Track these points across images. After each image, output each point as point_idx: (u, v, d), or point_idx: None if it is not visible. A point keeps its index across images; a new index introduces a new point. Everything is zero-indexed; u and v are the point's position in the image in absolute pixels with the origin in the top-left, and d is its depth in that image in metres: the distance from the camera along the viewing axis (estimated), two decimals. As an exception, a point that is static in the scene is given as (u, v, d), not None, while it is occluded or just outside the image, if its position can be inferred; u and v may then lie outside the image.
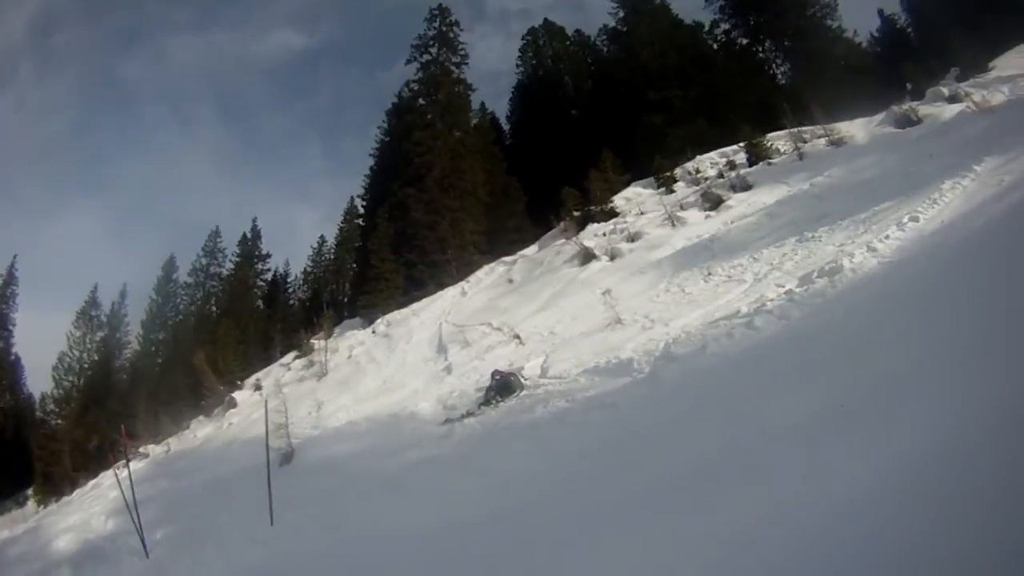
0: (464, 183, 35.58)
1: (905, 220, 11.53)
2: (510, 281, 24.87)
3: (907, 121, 24.22)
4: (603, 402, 8.80)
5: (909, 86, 29.15)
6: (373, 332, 25.26)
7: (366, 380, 19.14)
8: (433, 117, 38.18)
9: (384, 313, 26.91)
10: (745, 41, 44.61)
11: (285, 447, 13.88)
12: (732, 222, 19.75)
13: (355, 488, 10.12)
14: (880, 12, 44.23)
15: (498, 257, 29.27)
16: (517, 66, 50.92)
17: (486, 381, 13.08)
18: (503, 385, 12.03)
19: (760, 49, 44.07)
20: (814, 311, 8.96)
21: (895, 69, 33.35)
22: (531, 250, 28.18)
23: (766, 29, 43.08)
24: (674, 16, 44.38)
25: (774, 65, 43.85)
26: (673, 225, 22.04)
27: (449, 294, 26.63)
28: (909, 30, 43.83)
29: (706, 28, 45.14)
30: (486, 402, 11.90)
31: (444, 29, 41.52)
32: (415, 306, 26.34)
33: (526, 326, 17.17)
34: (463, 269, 29.98)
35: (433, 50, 40.94)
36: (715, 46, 44.82)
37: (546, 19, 52.37)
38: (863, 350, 6.32)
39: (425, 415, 13.16)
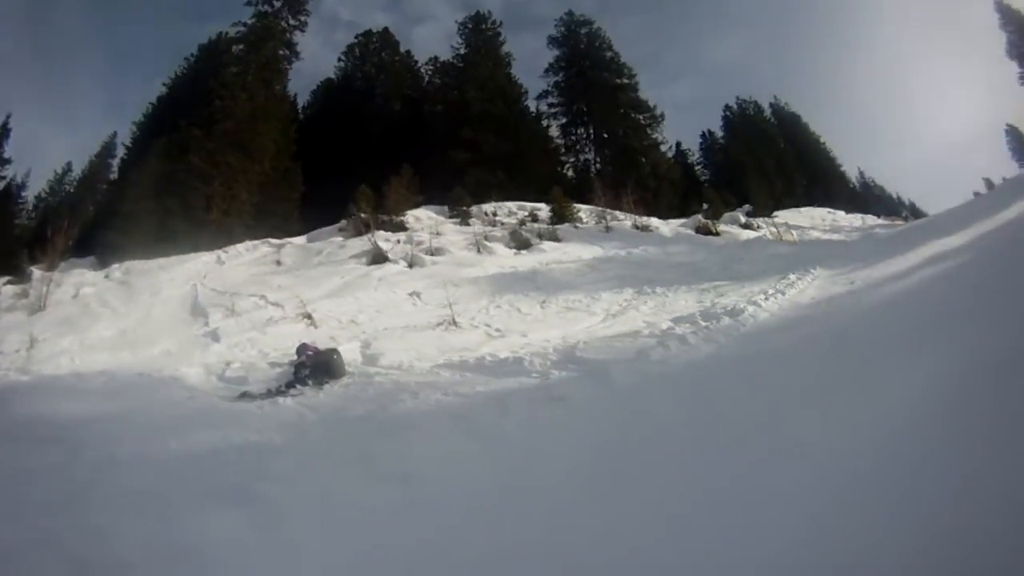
0: (255, 147, 32.04)
1: (771, 292, 11.91)
2: (278, 263, 22.52)
3: (707, 231, 26.93)
4: (551, 395, 6.72)
5: (706, 206, 31.78)
6: (107, 277, 21.19)
7: (98, 326, 15.28)
8: (248, 68, 34.51)
9: (123, 260, 22.96)
10: (565, 120, 46.83)
11: (-21, 390, 9.68)
12: (548, 264, 19.76)
13: (130, 482, 5.15)
14: (677, 144, 50.59)
15: (260, 237, 26.57)
16: (339, 60, 48.31)
17: (280, 356, 10.67)
18: (322, 365, 9.39)
19: (575, 132, 46.46)
20: (739, 340, 8.44)
21: (693, 188, 37.22)
22: (300, 240, 26.10)
23: (590, 117, 45.68)
24: (512, 73, 45.69)
25: (585, 149, 46.34)
26: (479, 252, 21.82)
27: (203, 258, 23.31)
28: (698, 167, 50.24)
29: (536, 95, 46.88)
30: (300, 381, 9.35)
31: (297, -12, 38.33)
32: (162, 261, 22.53)
33: (316, 309, 15.08)
34: (222, 237, 26.54)
35: (277, 3, 37.53)
36: (535, 113, 46.45)
37: (387, 28, 50.42)
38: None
39: (194, 383, 9.62)
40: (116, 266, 21.85)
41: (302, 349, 10.00)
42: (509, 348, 10.12)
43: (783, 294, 11.73)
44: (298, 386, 8.89)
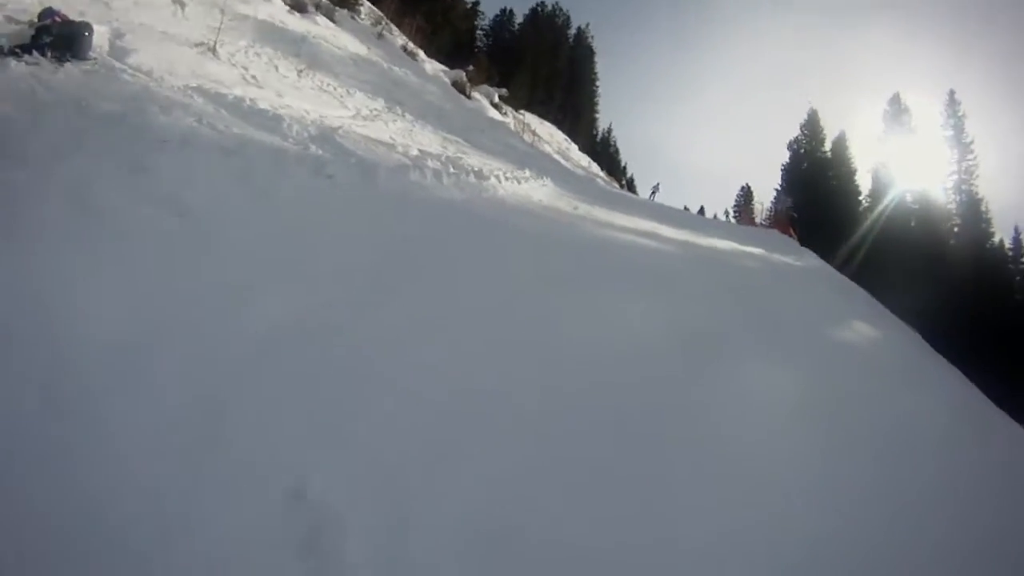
0: None
1: (508, 176, 12.40)
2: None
3: (462, 90, 27.33)
4: (321, 169, 6.43)
5: (471, 68, 31.95)
6: None
7: None
8: None
9: None
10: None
11: None
12: (314, 38, 18.16)
13: None
14: (475, 3, 50.31)
15: None
16: None
17: (16, 12, 8.22)
18: (68, 37, 7.64)
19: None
20: (486, 203, 9.30)
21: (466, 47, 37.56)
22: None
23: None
24: None
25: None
26: (252, -6, 19.50)
27: None
28: (480, 32, 52.31)
29: None
30: (38, 48, 7.62)
31: None
32: None
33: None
34: None
35: None
36: None
37: None
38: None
39: None
40: None
41: (48, 13, 8.09)
42: (265, 101, 9.52)
43: (518, 183, 12.47)
44: (35, 52, 7.34)
